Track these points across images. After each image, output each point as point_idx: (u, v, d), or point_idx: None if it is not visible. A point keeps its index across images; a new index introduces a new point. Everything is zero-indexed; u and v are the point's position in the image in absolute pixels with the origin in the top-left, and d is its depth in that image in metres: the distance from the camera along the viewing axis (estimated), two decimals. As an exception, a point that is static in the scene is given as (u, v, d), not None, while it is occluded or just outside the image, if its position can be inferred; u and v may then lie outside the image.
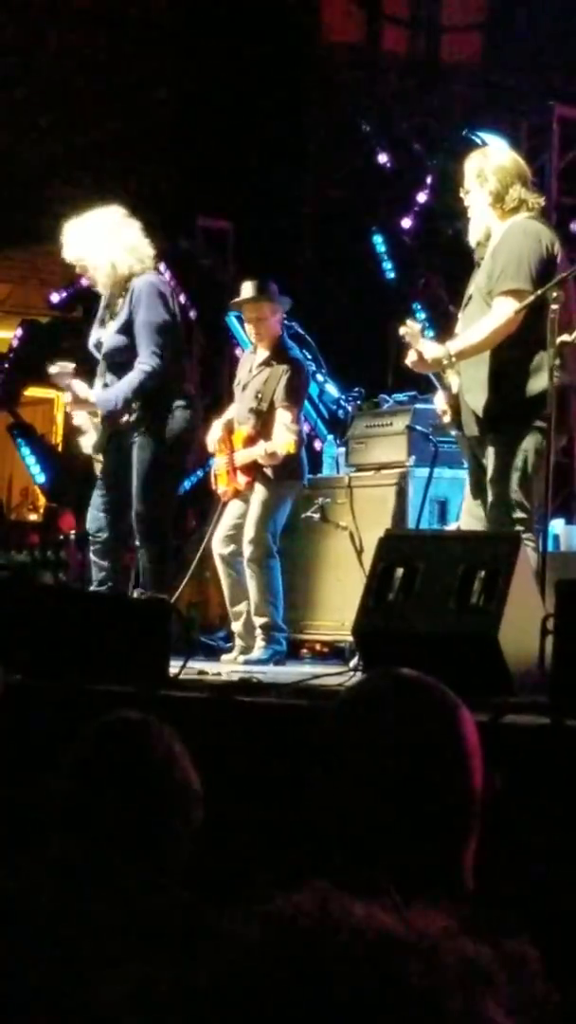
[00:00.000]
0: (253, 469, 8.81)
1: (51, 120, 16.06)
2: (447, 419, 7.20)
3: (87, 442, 8.31)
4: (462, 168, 7.26)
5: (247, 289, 9.14)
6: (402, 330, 7.19)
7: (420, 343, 7.11)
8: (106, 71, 16.64)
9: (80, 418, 8.34)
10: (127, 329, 8.09)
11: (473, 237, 7.21)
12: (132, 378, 8.03)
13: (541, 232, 7.01)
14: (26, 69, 16.22)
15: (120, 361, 8.14)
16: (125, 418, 8.10)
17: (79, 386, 8.26)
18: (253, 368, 9.07)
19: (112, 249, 8.08)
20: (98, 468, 8.34)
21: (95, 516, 8.33)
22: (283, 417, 8.77)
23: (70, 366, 8.35)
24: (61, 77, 16.41)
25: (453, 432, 7.37)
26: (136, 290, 8.09)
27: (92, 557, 8.38)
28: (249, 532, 8.75)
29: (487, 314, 6.92)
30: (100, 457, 8.28)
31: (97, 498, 8.34)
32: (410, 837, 2.21)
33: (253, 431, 8.87)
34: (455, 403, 7.11)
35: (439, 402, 7.30)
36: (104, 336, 8.22)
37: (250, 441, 8.85)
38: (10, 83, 16.02)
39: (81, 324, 8.77)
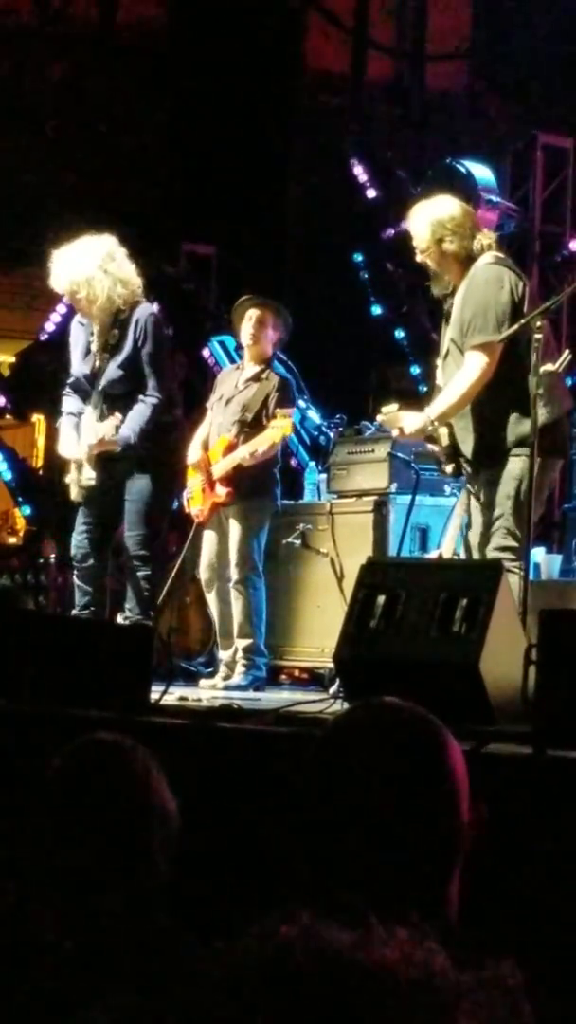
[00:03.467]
0: (233, 479, 8.71)
1: (40, 147, 16.08)
2: (449, 470, 7.25)
3: (88, 475, 8.10)
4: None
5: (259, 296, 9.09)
6: (379, 418, 7.36)
7: (400, 421, 7.23)
8: (95, 99, 16.69)
9: (79, 452, 8.14)
10: (130, 362, 8.03)
11: (438, 290, 7.26)
12: (144, 411, 7.99)
13: (503, 276, 7.05)
14: (17, 96, 16.25)
15: (119, 393, 8.08)
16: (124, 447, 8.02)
17: (104, 428, 8.04)
18: (239, 383, 8.95)
19: (107, 280, 7.97)
20: (78, 494, 8.23)
21: (80, 542, 8.26)
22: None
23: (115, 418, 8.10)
24: (51, 105, 16.45)
25: (454, 481, 7.44)
26: (140, 322, 8.03)
27: (77, 582, 8.32)
28: (234, 554, 8.68)
29: (461, 368, 6.99)
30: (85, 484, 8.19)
31: (81, 524, 8.27)
32: (396, 867, 2.20)
33: (234, 439, 8.76)
34: (450, 452, 7.16)
35: (438, 453, 7.35)
36: (102, 367, 8.10)
37: (231, 448, 8.72)
38: (1, 110, 16.04)
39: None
